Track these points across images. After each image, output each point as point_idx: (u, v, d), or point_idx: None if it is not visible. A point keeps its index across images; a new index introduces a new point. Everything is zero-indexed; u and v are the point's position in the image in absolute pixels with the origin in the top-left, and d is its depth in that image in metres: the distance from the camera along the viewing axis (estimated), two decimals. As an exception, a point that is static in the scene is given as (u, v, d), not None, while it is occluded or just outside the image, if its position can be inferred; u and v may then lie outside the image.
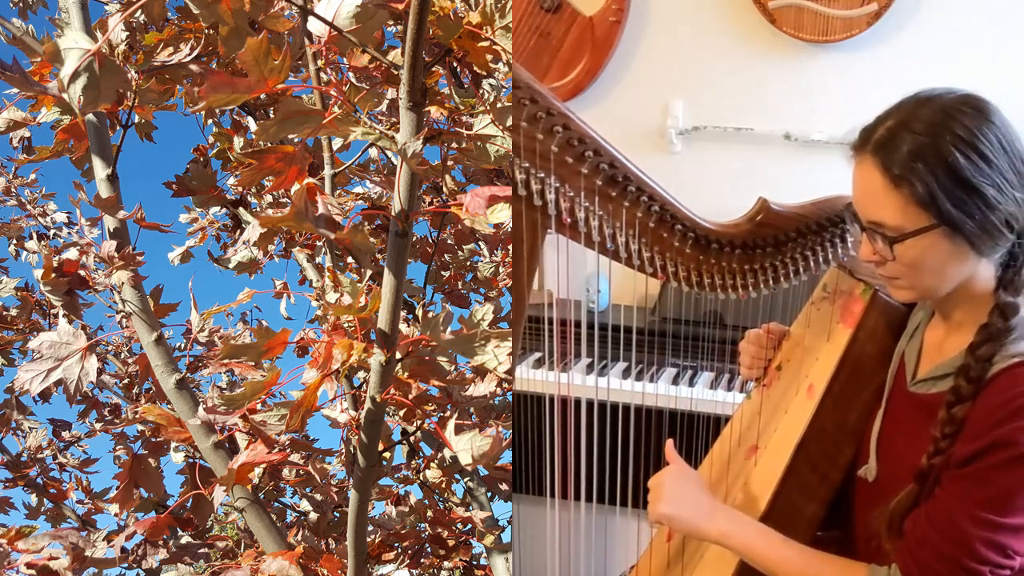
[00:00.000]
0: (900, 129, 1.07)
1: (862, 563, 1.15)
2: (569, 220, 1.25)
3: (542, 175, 1.22)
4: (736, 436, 1.44)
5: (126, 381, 2.98)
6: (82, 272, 1.75)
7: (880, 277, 1.17)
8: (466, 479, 2.43)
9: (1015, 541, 1.03)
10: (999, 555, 1.03)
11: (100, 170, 1.75)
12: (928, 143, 1.04)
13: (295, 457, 1.94)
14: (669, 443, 1.33)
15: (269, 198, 2.43)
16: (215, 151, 2.35)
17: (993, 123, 1.05)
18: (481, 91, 1.58)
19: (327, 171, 2.25)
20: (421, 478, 2.36)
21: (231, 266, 2.49)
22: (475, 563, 2.51)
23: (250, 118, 2.48)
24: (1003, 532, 1.03)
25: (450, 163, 2.25)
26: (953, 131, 1.04)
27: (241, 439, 1.61)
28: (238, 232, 2.57)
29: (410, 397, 1.54)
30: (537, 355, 2.30)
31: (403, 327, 1.63)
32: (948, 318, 1.18)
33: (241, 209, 2.47)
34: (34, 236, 3.28)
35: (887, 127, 1.08)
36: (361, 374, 2.25)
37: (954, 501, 1.06)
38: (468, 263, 2.83)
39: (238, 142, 2.31)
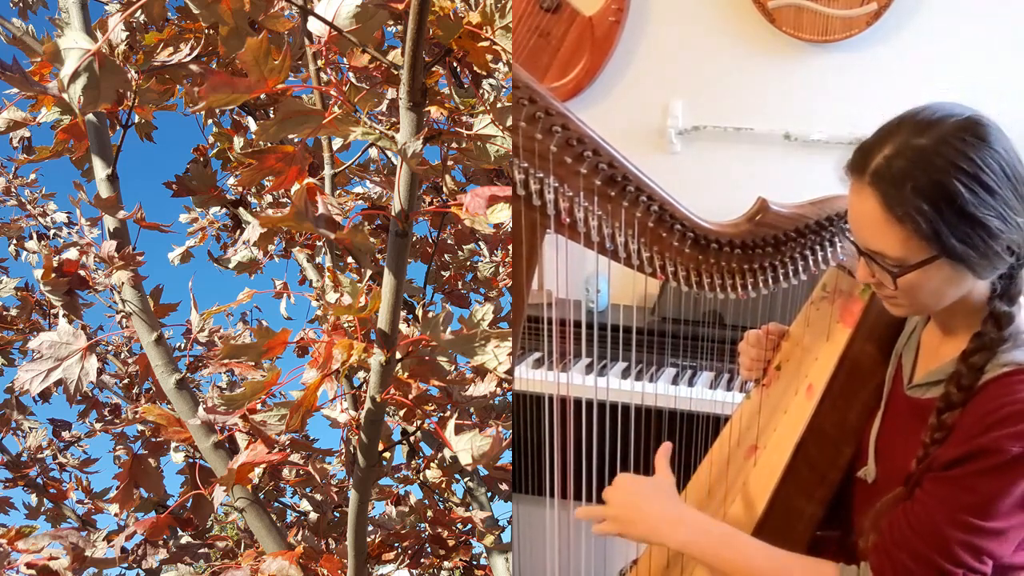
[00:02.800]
0: (900, 161, 1.03)
1: (831, 562, 1.14)
2: (568, 220, 1.25)
3: (541, 175, 1.22)
4: (735, 436, 1.44)
5: (126, 381, 2.98)
6: (82, 272, 1.75)
7: (877, 294, 1.17)
8: (466, 479, 2.43)
9: (993, 545, 1.03)
10: (974, 559, 1.03)
11: (100, 170, 1.75)
12: (931, 179, 1.01)
13: (295, 457, 1.94)
14: (662, 449, 1.31)
15: (269, 198, 2.43)
16: (215, 151, 2.35)
17: (996, 150, 1.02)
18: (481, 91, 1.58)
19: (327, 171, 2.25)
20: (421, 478, 2.36)
21: (231, 266, 2.49)
22: (475, 563, 2.51)
23: (250, 118, 2.48)
24: (982, 536, 1.02)
25: (450, 163, 2.25)
26: (957, 164, 1.01)
27: (241, 439, 1.61)
28: (238, 232, 2.57)
29: (410, 397, 1.54)
30: (537, 355, 2.30)
31: (403, 327, 1.63)
32: (943, 324, 1.17)
33: (241, 209, 2.47)
34: (34, 236, 3.28)
35: (886, 157, 1.05)
36: (361, 374, 2.25)
37: (935, 503, 1.06)
38: (468, 263, 2.83)
39: (238, 142, 2.31)
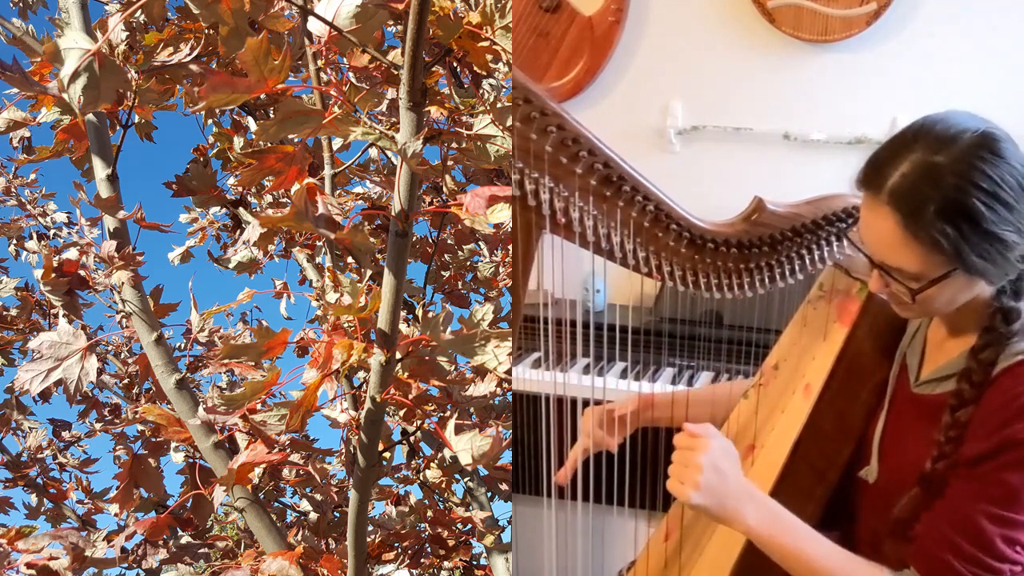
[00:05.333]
0: (918, 181, 1.03)
1: (885, 567, 1.13)
2: (564, 220, 1.25)
3: (536, 175, 1.22)
4: (733, 435, 1.44)
5: (126, 381, 2.98)
6: (82, 272, 1.76)
7: (888, 301, 1.17)
8: (466, 479, 2.43)
9: None
10: (1013, 551, 1.04)
11: (100, 170, 1.75)
12: (952, 200, 1.01)
13: (295, 457, 1.94)
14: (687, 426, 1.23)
15: (269, 198, 2.43)
16: (215, 151, 2.36)
17: (1012, 165, 1.03)
18: (481, 91, 1.59)
19: (327, 171, 2.25)
20: (421, 478, 2.37)
21: (231, 266, 2.50)
22: (475, 563, 2.51)
23: (250, 118, 2.48)
24: (1016, 528, 1.04)
25: (450, 163, 2.25)
26: (976, 183, 1.01)
27: (241, 439, 1.61)
28: (238, 232, 2.57)
29: (410, 397, 1.54)
30: (535, 355, 2.30)
31: (403, 327, 1.63)
32: (950, 321, 1.18)
33: (241, 209, 2.48)
34: (34, 236, 3.28)
35: (903, 175, 1.04)
36: (361, 374, 2.25)
37: (969, 501, 1.06)
38: (468, 263, 2.83)
39: (238, 142, 2.31)
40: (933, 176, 1.03)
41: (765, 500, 1.16)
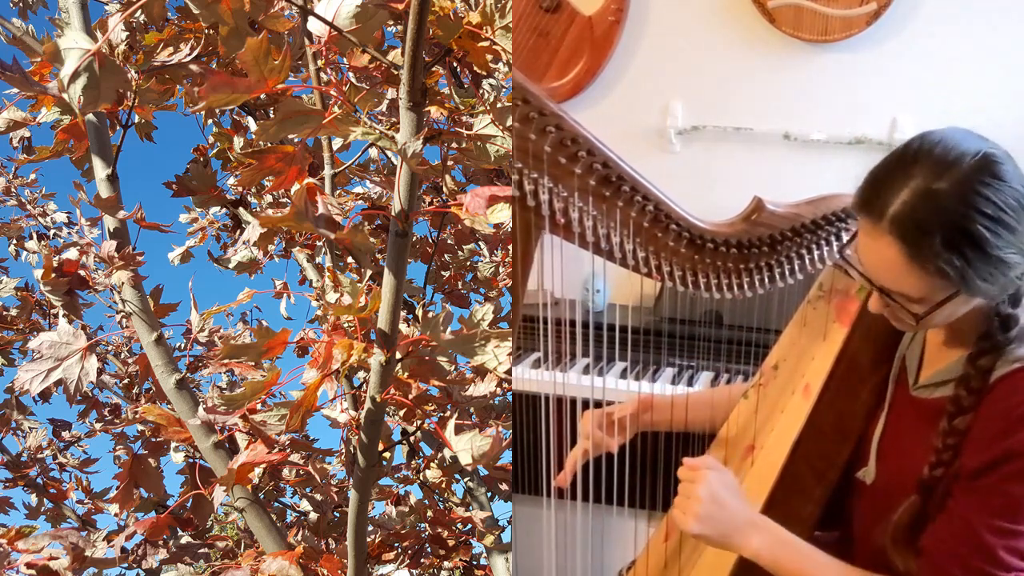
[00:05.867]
0: (921, 209, 1.02)
1: None
2: (563, 220, 1.24)
3: (535, 175, 1.22)
4: (733, 436, 1.44)
5: (126, 381, 2.98)
6: (82, 272, 1.76)
7: (887, 316, 1.17)
8: (466, 479, 2.43)
9: None
10: (1020, 560, 1.04)
11: (100, 170, 1.75)
12: (957, 228, 1.01)
13: (295, 457, 1.94)
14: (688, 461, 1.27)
15: (269, 198, 2.44)
16: (215, 151, 2.36)
17: (1014, 187, 1.02)
18: (481, 91, 1.59)
19: (327, 171, 2.26)
20: (421, 478, 2.37)
21: (231, 266, 2.50)
22: (475, 563, 2.52)
23: (250, 118, 2.49)
24: (1019, 538, 1.04)
25: (450, 163, 2.25)
26: (980, 209, 1.00)
27: (241, 439, 1.61)
28: (238, 232, 2.57)
29: (410, 397, 1.54)
30: (535, 355, 2.30)
31: (403, 327, 1.63)
32: (949, 327, 1.18)
33: (241, 209, 2.48)
34: (34, 236, 3.28)
35: (904, 203, 1.03)
36: (361, 374, 2.25)
37: (972, 514, 1.07)
38: (468, 263, 2.83)
39: (238, 142, 2.32)
40: (936, 204, 1.01)
41: (769, 526, 1.17)
